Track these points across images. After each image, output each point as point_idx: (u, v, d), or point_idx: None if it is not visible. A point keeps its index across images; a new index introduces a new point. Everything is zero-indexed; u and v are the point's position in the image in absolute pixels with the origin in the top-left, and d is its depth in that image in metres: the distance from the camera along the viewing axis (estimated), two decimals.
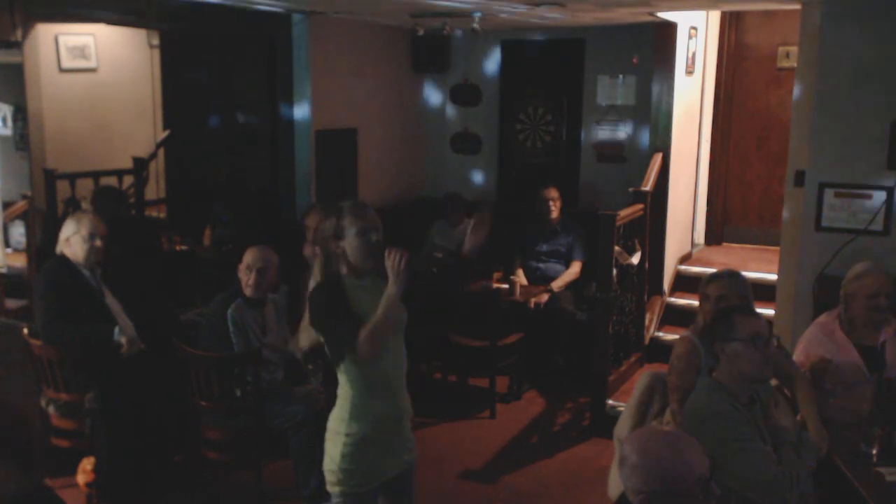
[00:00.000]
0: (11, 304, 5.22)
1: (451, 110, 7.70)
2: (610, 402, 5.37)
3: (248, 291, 4.21)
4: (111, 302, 4.30)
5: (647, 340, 6.17)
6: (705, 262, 6.88)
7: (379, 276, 2.83)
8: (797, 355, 3.78)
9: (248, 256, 4.23)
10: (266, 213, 6.38)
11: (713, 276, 3.54)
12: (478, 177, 7.68)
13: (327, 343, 2.83)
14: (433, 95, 7.72)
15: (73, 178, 6.63)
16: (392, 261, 2.72)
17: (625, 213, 5.58)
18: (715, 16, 7.02)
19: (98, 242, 4.17)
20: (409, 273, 2.73)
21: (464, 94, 7.62)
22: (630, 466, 2.01)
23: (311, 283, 2.97)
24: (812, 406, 3.42)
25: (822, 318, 3.84)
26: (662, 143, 6.31)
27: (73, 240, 4.15)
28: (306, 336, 3.73)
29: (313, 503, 4.15)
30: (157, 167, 7.49)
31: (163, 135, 7.35)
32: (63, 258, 4.18)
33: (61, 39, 7.34)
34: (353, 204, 2.91)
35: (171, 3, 5.39)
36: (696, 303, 3.65)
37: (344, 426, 2.82)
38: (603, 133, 7.14)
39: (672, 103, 6.26)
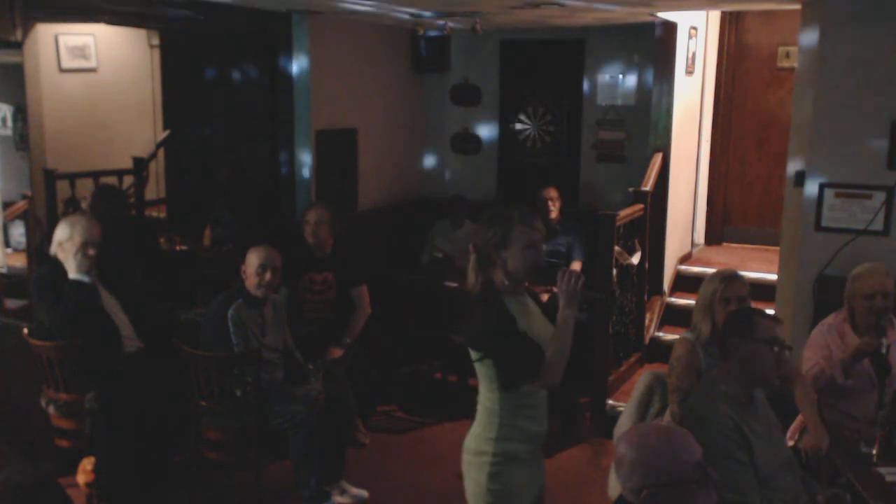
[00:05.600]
0: (11, 304, 5.22)
1: (451, 110, 7.69)
2: (610, 402, 5.37)
3: (259, 291, 4.20)
4: (108, 301, 4.30)
5: (647, 340, 6.17)
6: (705, 262, 6.88)
7: (527, 291, 2.80)
8: (814, 350, 3.77)
9: (262, 257, 4.20)
10: (266, 212, 6.39)
11: (730, 277, 3.49)
12: (478, 177, 7.68)
13: (501, 365, 2.68)
14: (433, 95, 7.72)
15: (73, 178, 6.62)
16: (566, 283, 2.63)
17: (625, 213, 5.58)
18: (715, 16, 7.02)
19: (91, 251, 4.05)
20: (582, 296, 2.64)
21: (464, 94, 7.61)
22: (629, 464, 2.02)
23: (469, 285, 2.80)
24: (812, 407, 3.43)
25: (831, 318, 3.83)
26: (662, 143, 6.31)
27: (66, 246, 4.09)
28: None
29: (313, 503, 4.15)
30: (157, 167, 7.49)
31: (163, 135, 7.35)
32: (56, 262, 4.12)
33: (61, 39, 7.34)
34: (523, 213, 2.74)
35: (171, 3, 5.39)
36: (695, 303, 3.64)
37: (491, 446, 2.71)
38: (603, 133, 7.13)
39: (672, 103, 6.26)
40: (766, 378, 2.82)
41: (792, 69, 6.28)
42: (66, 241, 4.08)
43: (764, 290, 5.23)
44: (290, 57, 6.11)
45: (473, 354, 2.73)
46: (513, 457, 2.72)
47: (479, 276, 2.75)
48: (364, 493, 4.39)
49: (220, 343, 4.15)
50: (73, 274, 4.02)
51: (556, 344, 2.65)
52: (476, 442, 2.77)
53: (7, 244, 5.46)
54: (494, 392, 2.73)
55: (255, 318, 4.23)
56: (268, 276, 4.19)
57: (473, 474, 2.76)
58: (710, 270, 4.16)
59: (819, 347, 3.76)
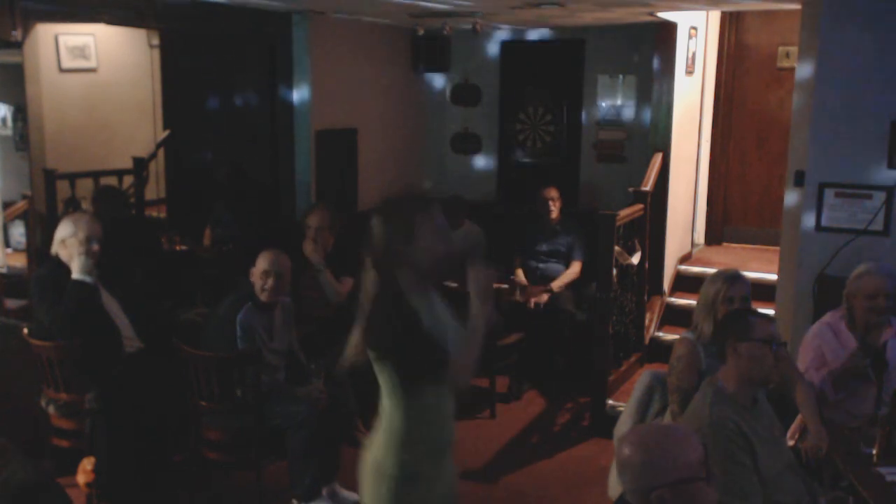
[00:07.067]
0: (11, 304, 5.22)
1: (451, 110, 7.69)
2: (610, 402, 5.36)
3: (264, 296, 4.17)
4: (108, 302, 4.30)
5: (647, 340, 6.17)
6: (705, 262, 6.88)
7: (438, 291, 2.54)
8: (807, 353, 3.78)
9: (265, 262, 4.18)
10: (266, 212, 6.39)
11: (733, 277, 3.50)
12: (478, 177, 7.68)
13: (403, 367, 2.43)
14: (433, 96, 7.72)
15: (73, 178, 6.63)
16: (475, 277, 2.41)
17: (625, 213, 5.57)
18: (715, 16, 7.02)
19: (95, 247, 4.07)
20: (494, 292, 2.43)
21: (464, 94, 7.61)
22: (638, 466, 1.99)
23: (363, 298, 2.53)
24: (812, 407, 3.43)
25: (828, 316, 3.84)
26: (662, 143, 6.31)
27: (69, 242, 4.08)
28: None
29: (307, 502, 4.15)
30: (157, 167, 7.49)
31: (163, 135, 7.36)
32: (57, 261, 4.12)
33: (61, 39, 7.34)
34: (423, 201, 2.48)
35: (171, 3, 5.39)
36: (696, 303, 3.64)
37: (392, 462, 2.47)
38: (603, 133, 7.13)
39: (672, 103, 6.26)
40: (767, 377, 2.82)
41: (792, 69, 6.26)
42: (69, 237, 4.07)
43: (764, 290, 5.23)
44: (289, 57, 6.11)
45: (371, 354, 2.48)
46: (416, 474, 2.48)
47: (380, 280, 2.46)
48: (355, 496, 4.37)
49: (223, 344, 4.13)
50: (76, 274, 4.02)
51: (465, 341, 2.40)
52: (376, 457, 2.52)
53: (7, 244, 5.46)
54: (397, 402, 2.48)
55: (263, 322, 4.21)
56: (270, 282, 4.16)
57: (373, 492, 2.52)
58: (711, 270, 4.16)
59: (811, 351, 3.77)
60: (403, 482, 2.46)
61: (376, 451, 2.53)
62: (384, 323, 2.42)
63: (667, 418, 3.48)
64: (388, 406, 2.51)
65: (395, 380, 2.46)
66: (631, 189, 6.00)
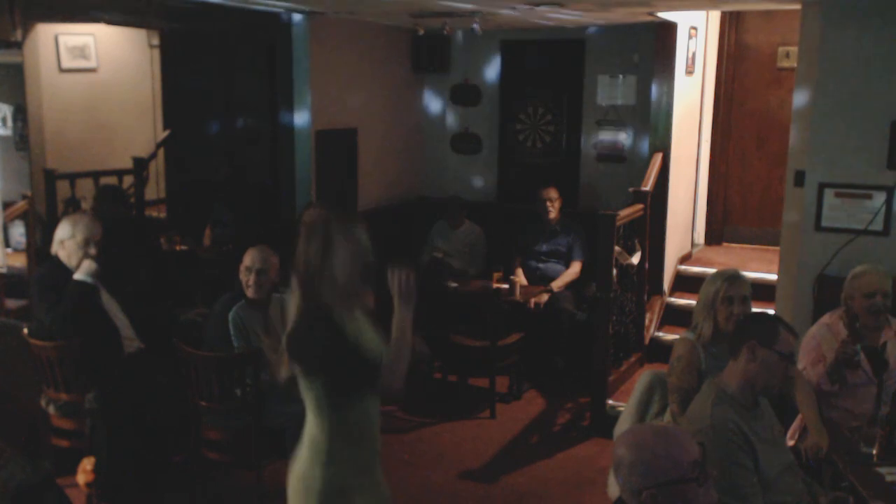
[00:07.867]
0: (11, 304, 5.22)
1: (451, 110, 7.70)
2: (610, 402, 5.37)
3: (249, 293, 4.19)
4: (108, 302, 4.30)
5: (647, 340, 6.18)
6: (705, 262, 6.88)
7: (364, 307, 2.56)
8: (806, 353, 3.79)
9: (248, 258, 4.20)
10: (266, 212, 6.39)
11: (733, 277, 3.50)
12: (478, 177, 7.68)
13: (332, 381, 2.46)
14: (433, 95, 7.72)
15: (73, 178, 6.63)
16: (398, 282, 2.44)
17: (625, 213, 5.58)
18: (715, 16, 7.03)
19: (93, 250, 4.09)
20: (416, 293, 2.45)
21: (464, 94, 7.61)
22: (627, 466, 2.02)
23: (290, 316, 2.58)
24: (812, 407, 3.43)
25: (826, 317, 3.85)
26: (662, 143, 6.31)
27: (67, 244, 4.10)
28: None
29: None
30: (157, 167, 7.50)
31: (163, 135, 7.36)
32: (57, 262, 4.14)
33: (61, 39, 7.34)
34: (340, 218, 2.52)
35: (171, 3, 5.39)
36: (695, 303, 3.64)
37: (320, 480, 2.47)
38: (603, 133, 7.13)
39: (672, 103, 6.26)
40: (769, 388, 2.82)
41: (792, 69, 6.28)
42: (67, 238, 4.10)
43: (764, 290, 5.23)
44: (290, 57, 6.11)
45: (298, 370, 2.51)
46: (344, 489, 2.48)
47: (305, 297, 2.50)
48: None
49: (223, 344, 4.14)
50: (79, 275, 4.03)
51: (395, 349, 2.44)
52: (303, 475, 2.51)
53: (7, 244, 5.45)
54: (322, 418, 2.49)
55: (258, 319, 4.22)
56: (252, 277, 4.16)
57: None
58: (711, 270, 4.16)
59: (810, 350, 3.78)
60: (330, 496, 2.47)
61: (302, 465, 2.53)
62: (309, 337, 2.46)
63: (667, 418, 3.48)
64: (312, 422, 2.53)
65: (323, 395, 2.48)
66: (631, 189, 6.01)
